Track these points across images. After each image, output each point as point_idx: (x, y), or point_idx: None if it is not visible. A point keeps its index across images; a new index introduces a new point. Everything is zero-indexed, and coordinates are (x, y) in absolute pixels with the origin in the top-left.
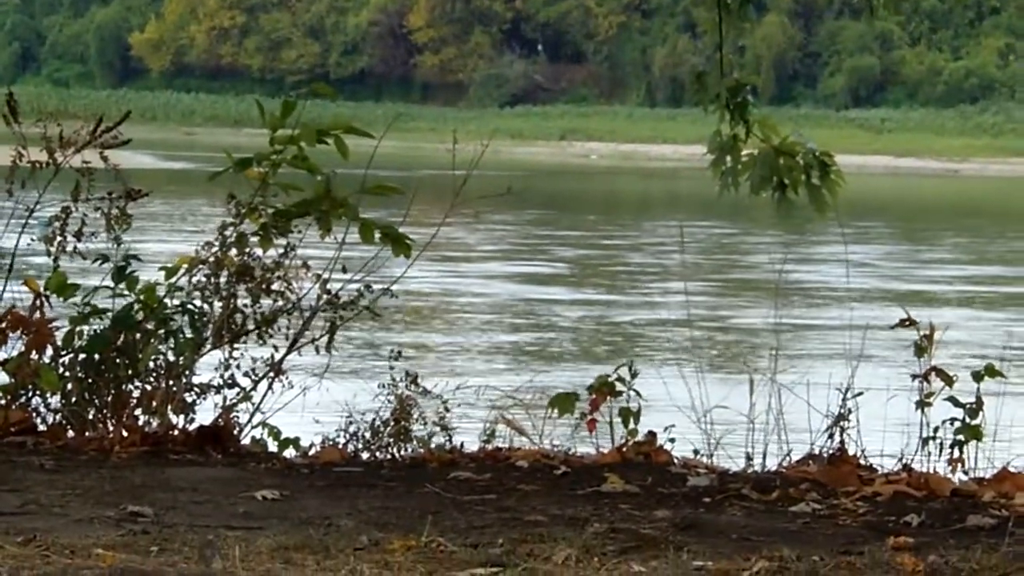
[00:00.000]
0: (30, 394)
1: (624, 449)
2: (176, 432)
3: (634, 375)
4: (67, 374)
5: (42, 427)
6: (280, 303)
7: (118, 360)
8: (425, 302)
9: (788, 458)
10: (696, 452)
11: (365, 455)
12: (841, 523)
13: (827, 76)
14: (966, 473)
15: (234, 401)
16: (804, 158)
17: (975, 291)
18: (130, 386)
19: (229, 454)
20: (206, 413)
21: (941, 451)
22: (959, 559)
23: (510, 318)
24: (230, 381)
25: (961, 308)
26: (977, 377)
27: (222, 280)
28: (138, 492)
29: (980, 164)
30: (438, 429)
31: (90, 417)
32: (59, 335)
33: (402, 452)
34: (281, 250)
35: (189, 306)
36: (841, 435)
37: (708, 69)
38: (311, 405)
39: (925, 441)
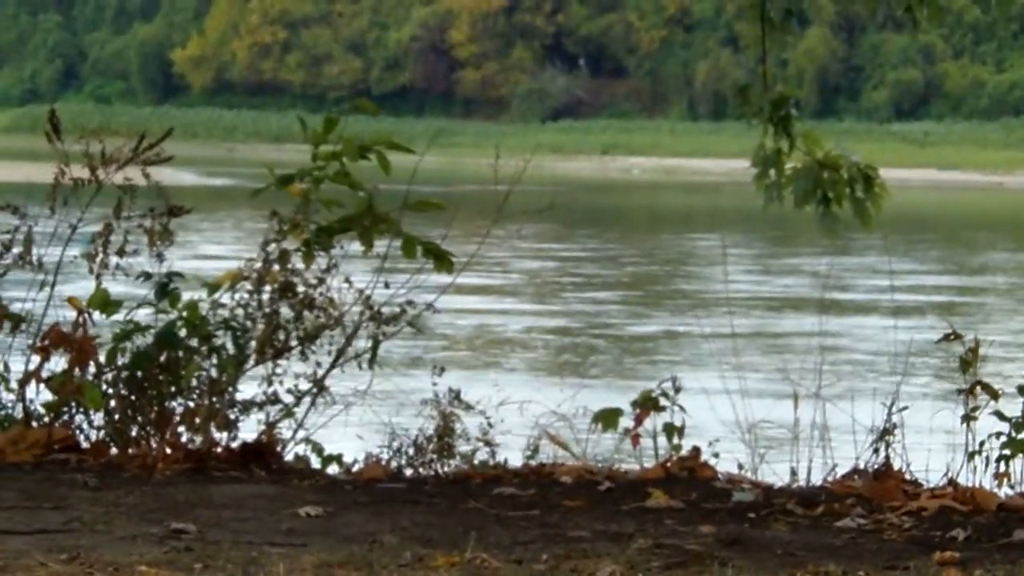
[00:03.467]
0: (73, 411)
1: (668, 464)
2: (219, 449)
3: (678, 390)
4: (110, 391)
5: (85, 444)
6: (323, 319)
7: (161, 377)
8: (467, 319)
9: (833, 473)
10: (740, 467)
11: (409, 471)
12: (887, 538)
13: (870, 89)
14: (1012, 487)
15: (277, 418)
16: (848, 171)
17: (1021, 306)
18: (173, 403)
19: (272, 471)
20: (249, 430)
21: (987, 466)
22: (1005, 574)
23: (552, 333)
24: (273, 397)
25: (1006, 322)
26: (1023, 391)
27: (265, 296)
28: (181, 509)
29: None
30: (481, 445)
31: (133, 434)
32: (102, 352)
33: (446, 468)
34: (324, 266)
35: (232, 323)
36: (886, 450)
37: (751, 83)
38: (354, 421)
39: (971, 455)
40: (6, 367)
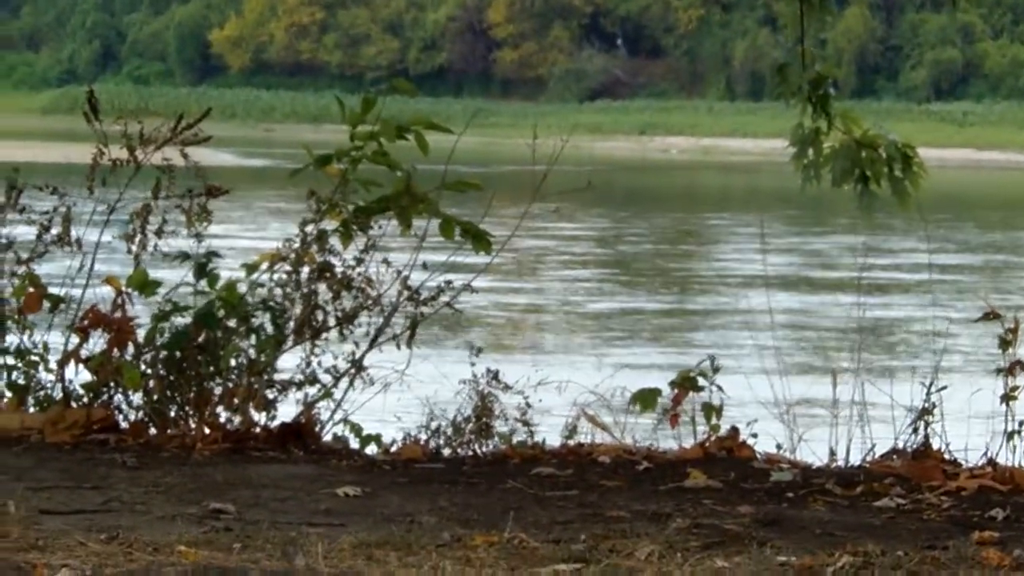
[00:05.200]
0: (112, 392)
1: (707, 444)
2: (258, 429)
3: (716, 370)
4: (149, 372)
5: (124, 425)
6: (361, 300)
7: (200, 357)
8: (506, 298)
9: (872, 453)
10: (779, 447)
11: (447, 451)
12: (925, 518)
13: (908, 69)
14: None
15: (315, 398)
16: (886, 150)
17: None
18: (212, 383)
19: (311, 451)
20: (288, 410)
21: None
22: None
23: (590, 313)
24: (311, 378)
25: None
26: None
27: (303, 277)
28: (220, 489)
29: None
30: (520, 425)
31: (172, 415)
32: (140, 333)
33: (484, 448)
34: (361, 247)
35: (270, 303)
36: (925, 429)
37: (789, 62)
38: (392, 402)
39: (1010, 435)
40: (45, 347)
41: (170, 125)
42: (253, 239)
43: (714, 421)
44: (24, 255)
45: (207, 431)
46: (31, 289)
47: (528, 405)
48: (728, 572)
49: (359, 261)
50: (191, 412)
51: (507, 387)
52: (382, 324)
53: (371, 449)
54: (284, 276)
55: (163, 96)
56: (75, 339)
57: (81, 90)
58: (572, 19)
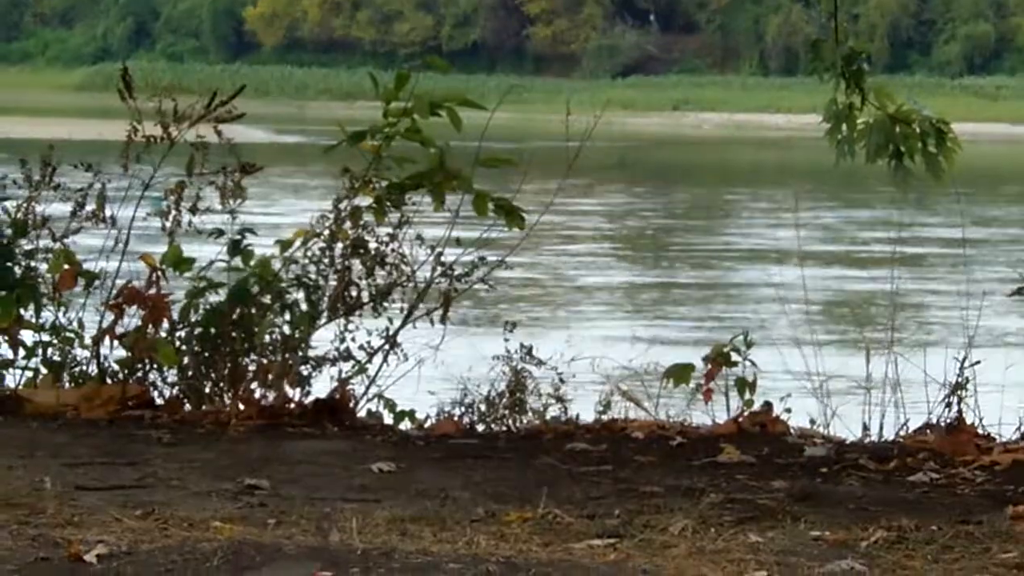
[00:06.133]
0: (147, 368)
1: (740, 420)
2: (292, 405)
3: (749, 345)
4: (184, 348)
5: (159, 401)
6: (394, 276)
7: (234, 334)
8: (538, 273)
9: (905, 428)
10: (812, 422)
11: (480, 427)
12: (959, 492)
13: (942, 43)
14: None
15: (350, 374)
16: (920, 125)
17: None
18: (246, 360)
19: (345, 427)
20: (322, 386)
21: None
22: None
23: (623, 289)
24: (346, 354)
25: None
26: None
27: (337, 253)
28: (255, 465)
29: None
30: (553, 401)
31: (207, 391)
32: (175, 309)
33: (517, 424)
34: (395, 223)
35: (304, 279)
36: (959, 404)
37: (823, 38)
38: (426, 377)
39: None
40: (80, 324)
41: (204, 102)
42: (287, 215)
43: (747, 396)
44: (59, 232)
45: (242, 407)
46: (66, 266)
47: (561, 380)
48: (761, 547)
49: (392, 237)
50: (226, 388)
51: (541, 362)
52: (416, 300)
53: (405, 425)
54: (318, 252)
55: (197, 73)
56: (110, 316)
57: (115, 67)
58: None
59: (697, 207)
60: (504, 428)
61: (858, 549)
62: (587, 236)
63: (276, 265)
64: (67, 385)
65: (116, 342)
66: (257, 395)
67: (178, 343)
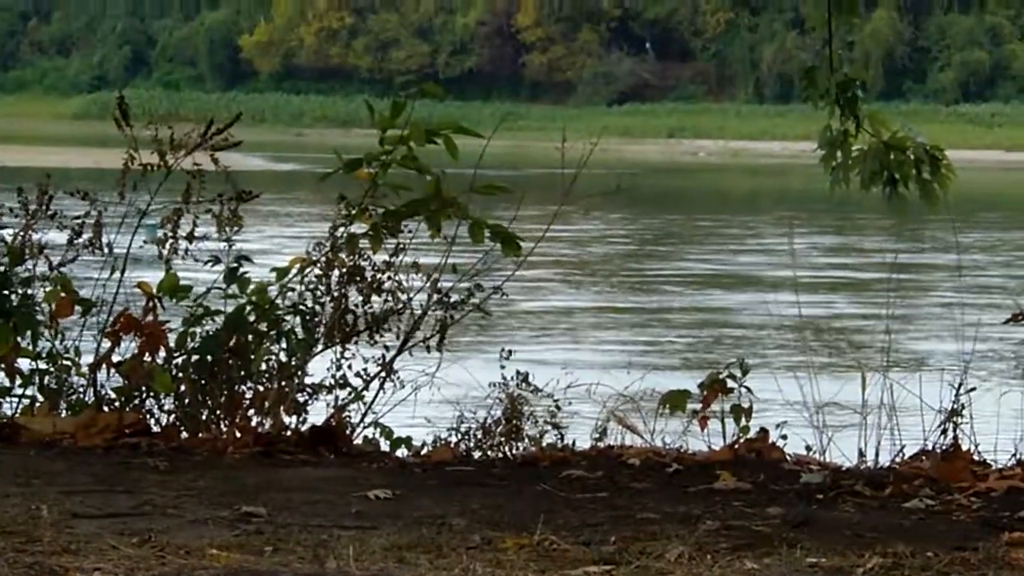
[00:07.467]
0: (144, 396)
1: (736, 446)
2: (289, 432)
3: (745, 372)
4: (180, 376)
5: (156, 428)
6: (391, 303)
7: (231, 361)
8: (534, 301)
9: (901, 454)
10: (808, 449)
11: (477, 454)
12: (955, 519)
13: (936, 71)
14: None
15: (346, 401)
16: (915, 152)
17: None
18: (243, 387)
19: (341, 454)
20: (318, 413)
21: None
22: None
23: (619, 315)
24: (342, 381)
25: None
26: None
27: (333, 281)
28: (251, 492)
29: None
30: (549, 427)
31: (203, 418)
32: (172, 337)
33: (514, 451)
34: (391, 250)
35: (301, 307)
36: (954, 430)
37: (817, 65)
38: (422, 404)
39: None
40: (77, 352)
41: (200, 130)
42: (282, 242)
43: (743, 423)
44: (55, 260)
45: (238, 435)
46: (63, 294)
47: (558, 407)
48: (758, 574)
49: (389, 265)
50: (222, 416)
51: (537, 390)
52: (412, 327)
53: (402, 452)
54: (314, 280)
55: (193, 101)
56: (107, 343)
57: (112, 95)
58: (600, 22)
59: (694, 233)
60: (500, 455)
61: (854, 575)
62: (584, 262)
63: (272, 292)
64: (64, 413)
65: (113, 370)
66: (253, 423)
67: (175, 371)
